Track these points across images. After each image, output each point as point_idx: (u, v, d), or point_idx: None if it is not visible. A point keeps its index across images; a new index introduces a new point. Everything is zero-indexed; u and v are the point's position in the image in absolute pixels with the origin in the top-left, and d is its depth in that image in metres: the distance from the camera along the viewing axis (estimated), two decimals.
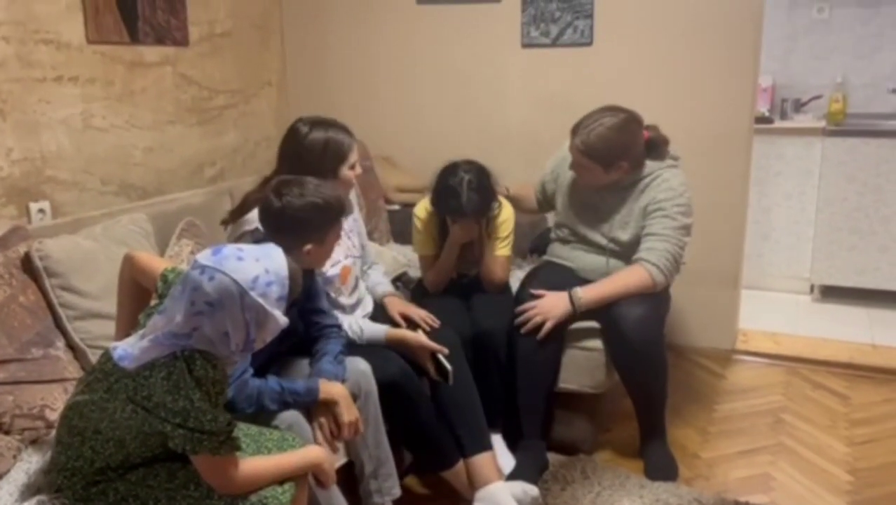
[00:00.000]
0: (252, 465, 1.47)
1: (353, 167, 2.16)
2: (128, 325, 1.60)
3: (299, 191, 1.78)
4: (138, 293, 1.64)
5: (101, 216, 2.35)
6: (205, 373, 1.37)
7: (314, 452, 1.62)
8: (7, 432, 1.68)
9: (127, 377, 1.37)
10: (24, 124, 2.40)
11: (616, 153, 2.32)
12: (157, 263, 1.61)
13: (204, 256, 1.40)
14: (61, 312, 1.97)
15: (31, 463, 1.65)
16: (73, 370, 1.91)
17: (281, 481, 1.51)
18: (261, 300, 1.38)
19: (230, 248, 1.42)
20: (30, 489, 1.58)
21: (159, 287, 1.53)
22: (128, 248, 2.20)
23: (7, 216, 2.36)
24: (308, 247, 1.80)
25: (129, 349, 1.39)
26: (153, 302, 1.56)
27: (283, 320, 1.43)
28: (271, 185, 1.83)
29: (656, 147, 2.43)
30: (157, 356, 1.36)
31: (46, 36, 2.45)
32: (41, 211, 2.46)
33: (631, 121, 2.34)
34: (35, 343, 1.85)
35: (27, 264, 1.97)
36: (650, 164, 2.41)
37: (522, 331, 2.31)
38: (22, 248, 1.98)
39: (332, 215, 1.82)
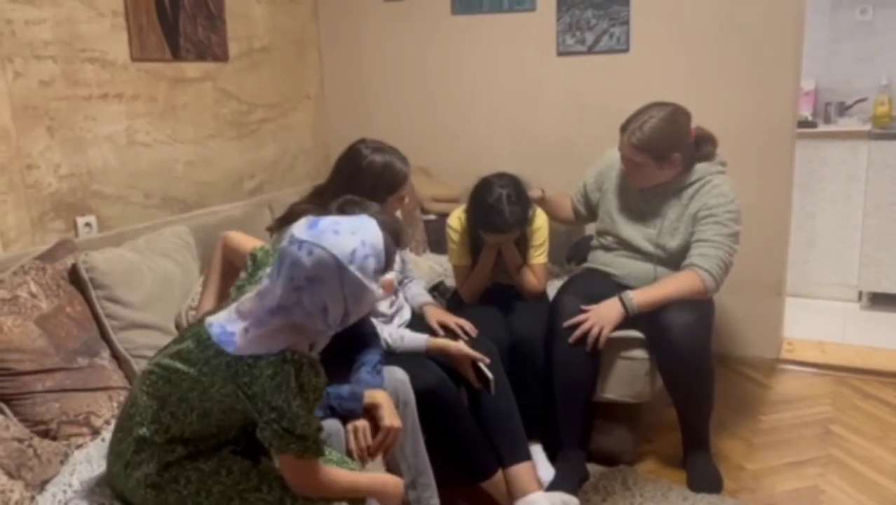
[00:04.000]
0: (330, 473, 1.48)
1: (401, 199, 2.20)
2: (216, 298, 1.68)
3: (361, 213, 1.80)
4: (229, 271, 1.70)
5: (145, 229, 2.41)
6: (308, 380, 1.37)
7: (391, 481, 1.61)
8: (54, 438, 1.72)
9: (228, 357, 1.37)
10: (71, 141, 2.48)
11: (669, 145, 2.30)
12: (248, 243, 1.68)
13: (300, 230, 1.38)
14: (106, 322, 2.01)
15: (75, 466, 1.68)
16: (118, 379, 1.95)
17: (350, 500, 1.52)
18: (359, 274, 1.36)
19: (326, 221, 1.39)
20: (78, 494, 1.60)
21: (248, 266, 1.57)
22: (170, 259, 2.26)
23: (55, 230, 2.43)
24: None
25: (229, 328, 1.39)
26: (242, 276, 1.60)
27: (379, 293, 1.42)
28: (337, 202, 1.85)
29: (704, 143, 2.40)
30: (266, 353, 1.36)
31: (92, 55, 2.52)
32: (87, 225, 2.53)
33: (679, 111, 2.34)
34: (81, 353, 1.90)
35: (74, 276, 2.02)
36: (699, 169, 2.38)
37: (587, 348, 2.27)
38: (69, 261, 2.04)
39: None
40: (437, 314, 2.32)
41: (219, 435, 1.47)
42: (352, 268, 1.35)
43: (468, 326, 2.27)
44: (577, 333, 2.28)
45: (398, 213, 2.38)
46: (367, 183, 2.09)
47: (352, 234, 1.37)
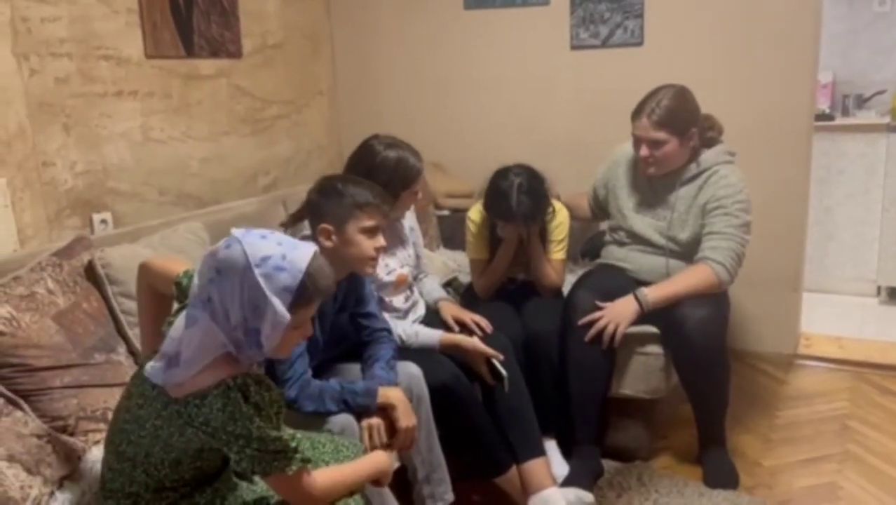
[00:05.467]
0: (327, 475, 1.45)
1: (414, 194, 2.21)
2: (153, 338, 1.50)
3: (331, 176, 1.86)
4: (159, 302, 1.55)
5: (160, 225, 2.42)
6: (261, 398, 1.32)
7: (382, 458, 1.61)
8: (72, 434, 1.73)
9: (176, 403, 1.30)
10: (86, 138, 2.49)
11: (687, 118, 2.31)
12: (173, 266, 1.52)
13: (240, 230, 1.32)
14: (122, 318, 2.03)
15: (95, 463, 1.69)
16: None
17: (351, 492, 1.50)
18: (262, 280, 1.25)
19: (268, 231, 1.33)
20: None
21: (175, 295, 1.47)
22: (185, 255, 2.26)
23: (71, 227, 2.44)
24: (324, 226, 1.79)
25: (168, 369, 1.30)
26: (174, 309, 1.47)
27: (281, 310, 1.27)
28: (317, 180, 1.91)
29: (709, 126, 2.40)
30: (209, 385, 1.28)
31: (107, 52, 2.53)
32: (103, 221, 2.54)
33: (685, 89, 2.35)
34: (98, 348, 1.91)
35: (90, 272, 2.04)
36: (707, 158, 2.36)
37: (603, 346, 2.27)
38: (85, 257, 2.06)
39: (350, 201, 1.80)
40: (452, 310, 2.32)
41: (205, 470, 1.42)
42: (257, 271, 1.25)
43: (483, 322, 2.27)
44: (593, 331, 2.27)
45: (412, 209, 2.38)
46: (380, 179, 2.09)
47: (277, 245, 1.29)
